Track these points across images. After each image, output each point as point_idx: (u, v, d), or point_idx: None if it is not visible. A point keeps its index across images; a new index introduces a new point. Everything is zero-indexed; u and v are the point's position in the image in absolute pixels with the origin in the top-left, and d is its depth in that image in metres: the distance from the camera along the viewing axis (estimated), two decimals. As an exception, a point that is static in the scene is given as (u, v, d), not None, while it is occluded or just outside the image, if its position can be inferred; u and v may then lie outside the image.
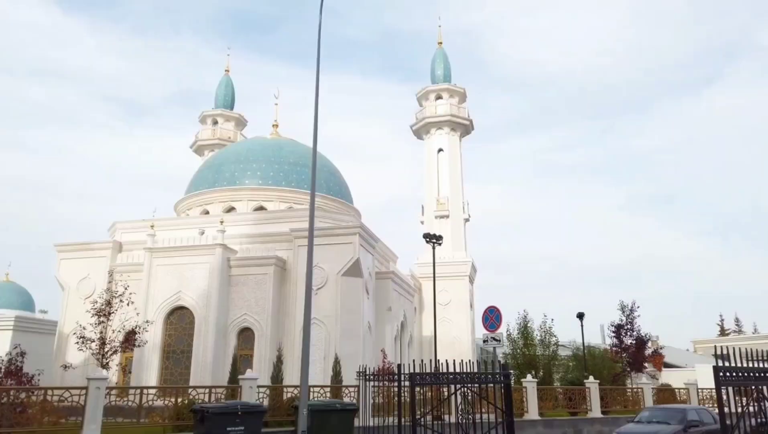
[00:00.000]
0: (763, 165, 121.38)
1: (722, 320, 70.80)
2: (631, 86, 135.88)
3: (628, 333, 32.08)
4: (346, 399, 16.90)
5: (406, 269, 41.63)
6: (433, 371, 11.21)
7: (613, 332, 32.63)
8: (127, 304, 23.07)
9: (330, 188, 37.49)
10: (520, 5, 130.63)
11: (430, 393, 14.39)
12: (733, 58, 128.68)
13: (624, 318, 32.46)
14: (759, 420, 6.76)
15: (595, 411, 22.66)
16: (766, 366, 6.90)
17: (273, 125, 41.87)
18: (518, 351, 29.40)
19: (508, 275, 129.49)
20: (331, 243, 27.45)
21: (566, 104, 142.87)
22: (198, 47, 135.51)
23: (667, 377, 41.04)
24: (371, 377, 13.48)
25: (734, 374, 6.50)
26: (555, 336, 30.44)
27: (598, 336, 48.83)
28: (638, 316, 32.39)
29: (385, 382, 13.74)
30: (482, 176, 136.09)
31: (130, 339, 23.20)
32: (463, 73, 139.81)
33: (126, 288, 23.25)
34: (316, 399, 16.25)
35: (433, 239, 30.13)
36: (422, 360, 11.30)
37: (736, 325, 69.70)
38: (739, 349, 6.89)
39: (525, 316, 30.40)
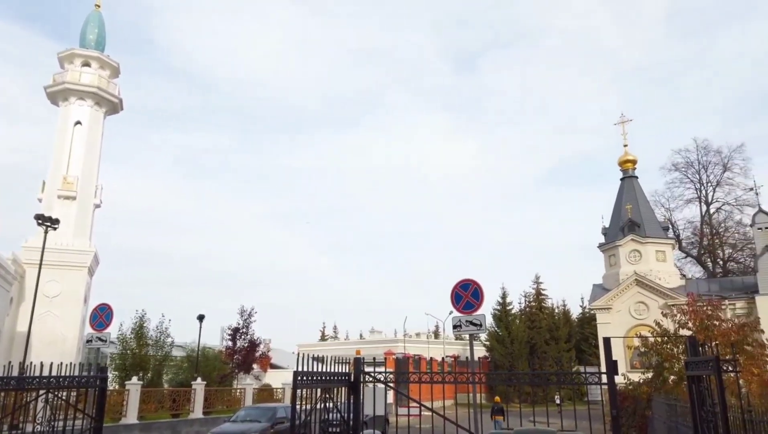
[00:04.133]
0: (385, 201, 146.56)
1: (324, 326, 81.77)
2: (289, 110, 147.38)
3: (243, 336, 34.16)
4: None
5: (11, 251, 35.06)
6: (18, 373, 9.77)
7: (230, 335, 34.24)
8: None
9: None
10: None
11: (7, 400, 12.40)
12: (373, 106, 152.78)
13: (242, 322, 34.44)
14: (324, 416, 8.18)
15: (198, 412, 23.24)
16: (337, 370, 8.43)
17: None
18: (129, 351, 27.90)
19: (137, 270, 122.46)
20: None
21: (229, 109, 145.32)
22: None
23: (271, 377, 45.04)
24: None
25: (309, 377, 7.63)
26: (171, 337, 30.06)
27: (219, 337, 50.36)
28: (255, 321, 34.85)
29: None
30: (124, 162, 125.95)
31: None
32: (124, 47, 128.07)
33: None
34: None
35: (46, 221, 26.32)
36: None
37: (334, 332, 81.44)
38: (315, 354, 8.22)
39: (142, 316, 29.19)
